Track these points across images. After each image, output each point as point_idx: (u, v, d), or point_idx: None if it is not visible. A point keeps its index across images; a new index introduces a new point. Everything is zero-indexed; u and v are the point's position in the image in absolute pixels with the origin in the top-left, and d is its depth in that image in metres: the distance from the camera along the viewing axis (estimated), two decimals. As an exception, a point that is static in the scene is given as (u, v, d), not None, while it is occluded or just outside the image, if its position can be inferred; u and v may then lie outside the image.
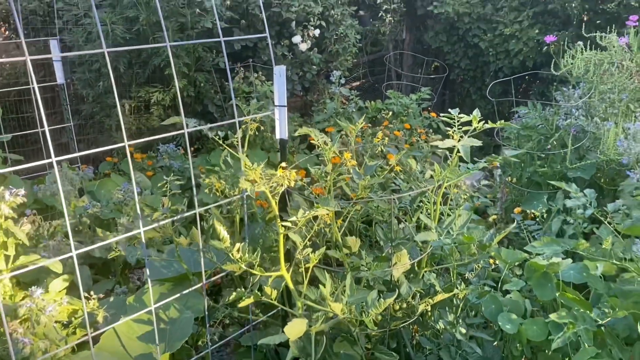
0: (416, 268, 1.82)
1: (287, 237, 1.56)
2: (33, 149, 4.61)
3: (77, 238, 2.63)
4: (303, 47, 4.81)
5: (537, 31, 5.42)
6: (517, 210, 3.15)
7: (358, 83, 6.78)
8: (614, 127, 2.69)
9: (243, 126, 1.94)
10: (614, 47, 3.01)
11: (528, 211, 3.04)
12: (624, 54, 2.98)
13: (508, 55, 5.68)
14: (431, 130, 4.92)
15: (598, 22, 5.13)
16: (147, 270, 2.14)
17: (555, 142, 3.02)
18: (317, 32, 4.84)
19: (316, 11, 4.82)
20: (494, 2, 5.68)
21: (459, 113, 1.78)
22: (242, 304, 1.46)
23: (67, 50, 4.54)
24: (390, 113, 4.98)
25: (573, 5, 5.02)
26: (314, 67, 5.10)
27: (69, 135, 3.19)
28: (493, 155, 4.06)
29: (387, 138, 2.43)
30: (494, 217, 3.30)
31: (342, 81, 4.80)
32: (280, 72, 1.77)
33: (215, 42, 4.76)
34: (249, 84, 4.75)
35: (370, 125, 5.05)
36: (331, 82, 4.83)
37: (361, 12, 7.05)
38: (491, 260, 1.91)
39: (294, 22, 4.80)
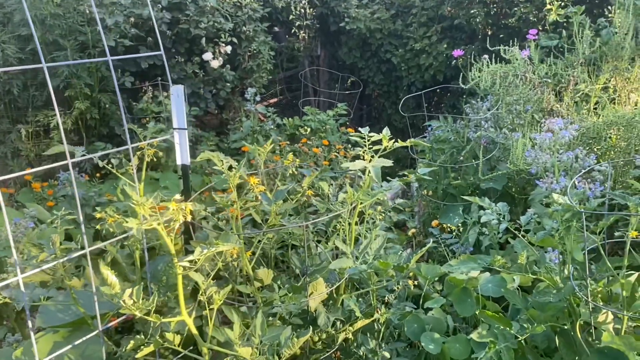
0: (334, 294, 1.73)
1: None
2: None
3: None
4: (215, 64, 4.66)
5: (445, 46, 5.59)
6: (434, 223, 3.16)
7: (275, 100, 6.70)
8: (521, 138, 2.75)
9: (139, 152, 1.77)
10: (517, 60, 3.11)
11: (445, 224, 3.05)
12: (527, 66, 3.08)
13: (419, 69, 5.81)
14: (350, 146, 4.91)
15: (501, 36, 5.37)
16: (38, 318, 1.91)
17: (467, 154, 3.07)
18: (229, 48, 4.71)
19: (227, 27, 4.69)
20: (404, 18, 5.81)
21: (374, 127, 1.73)
22: (140, 354, 1.30)
23: (-50, 72, 4.11)
24: (309, 130, 4.93)
25: (477, 20, 5.22)
26: (228, 84, 4.95)
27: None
28: (408, 170, 4.09)
29: (297, 160, 2.33)
30: (413, 230, 3.30)
31: (258, 98, 4.69)
32: (177, 92, 1.63)
33: (119, 61, 4.51)
34: (158, 103, 4.53)
35: (289, 142, 4.96)
36: (247, 100, 4.70)
37: (276, 29, 7.00)
38: (410, 282, 1.85)
39: (204, 39, 4.64)
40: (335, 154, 4.42)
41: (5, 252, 2.71)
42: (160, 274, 1.68)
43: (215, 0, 4.57)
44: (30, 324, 1.47)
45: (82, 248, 1.49)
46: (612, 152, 2.76)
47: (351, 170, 1.73)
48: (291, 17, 5.63)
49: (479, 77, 2.94)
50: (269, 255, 1.77)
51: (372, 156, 1.63)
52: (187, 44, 4.75)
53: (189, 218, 1.23)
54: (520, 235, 1.92)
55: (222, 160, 1.56)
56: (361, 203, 1.59)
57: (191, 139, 4.73)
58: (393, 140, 1.68)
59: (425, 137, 4.09)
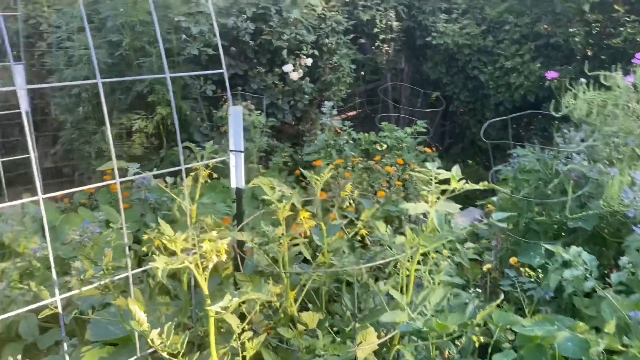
0: (388, 343, 1.57)
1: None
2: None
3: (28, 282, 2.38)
4: (294, 76, 4.62)
5: (539, 65, 5.23)
6: (513, 260, 2.90)
7: (354, 113, 6.59)
8: (618, 175, 2.45)
9: (192, 173, 1.71)
10: (619, 87, 2.79)
11: (524, 264, 2.79)
12: (630, 94, 2.75)
13: (509, 88, 5.48)
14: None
15: (602, 57, 4.94)
16: (88, 329, 1.89)
17: (554, 188, 2.78)
18: (309, 61, 4.66)
19: (309, 39, 4.64)
20: (495, 34, 5.51)
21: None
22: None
23: (47, 74, 4.37)
24: (384, 146, 4.77)
25: (577, 39, 4.83)
26: (306, 96, 4.91)
27: (36, 165, 2.97)
28: (487, 200, 3.82)
29: (355, 192, 2.19)
30: (489, 266, 3.04)
31: (335, 112, 4.59)
32: (236, 113, 1.55)
33: (203, 69, 4.58)
34: (237, 112, 4.55)
35: (363, 158, 4.83)
36: (323, 113, 4.62)
37: (362, 40, 6.90)
38: (475, 338, 1.66)
39: (285, 50, 4.62)
40: (410, 173, 4.23)
41: (74, 252, 2.78)
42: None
43: (299, 12, 4.54)
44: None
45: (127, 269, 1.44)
46: None
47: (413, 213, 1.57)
48: (375, 30, 5.51)
49: (573, 104, 2.66)
50: (319, 293, 1.64)
51: (438, 197, 1.46)
52: (269, 55, 4.75)
53: (223, 258, 1.14)
54: (609, 296, 1.67)
55: (274, 188, 1.46)
56: (423, 248, 1.42)
57: (266, 148, 4.72)
58: (464, 181, 1.51)
59: (509, 164, 3.80)
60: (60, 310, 1.46)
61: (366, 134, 5.02)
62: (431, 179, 1.51)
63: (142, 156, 4.48)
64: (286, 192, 1.51)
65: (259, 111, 4.61)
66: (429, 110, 5.95)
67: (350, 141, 4.87)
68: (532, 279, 2.41)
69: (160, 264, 1.11)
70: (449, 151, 6.79)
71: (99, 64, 4.01)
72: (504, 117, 4.25)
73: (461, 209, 5.60)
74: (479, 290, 2.80)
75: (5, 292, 2.32)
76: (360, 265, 1.45)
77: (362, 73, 7.12)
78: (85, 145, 4.38)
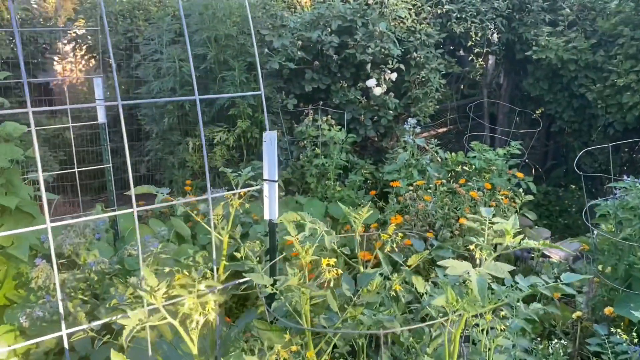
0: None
1: None
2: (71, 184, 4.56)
3: (83, 295, 2.40)
4: (378, 91, 4.44)
5: (658, 83, 4.62)
6: (608, 310, 2.50)
7: (444, 130, 6.26)
8: None
9: (223, 203, 1.59)
10: None
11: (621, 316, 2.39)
12: None
13: (621, 108, 4.90)
14: (521, 191, 4.29)
15: None
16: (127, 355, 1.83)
17: (664, 231, 2.36)
18: (394, 75, 4.46)
19: (395, 53, 4.44)
20: (607, 48, 4.96)
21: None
22: None
23: (137, 83, 4.53)
24: (473, 168, 4.43)
25: None
26: (390, 111, 4.70)
27: (108, 176, 3.05)
28: (579, 238, 3.38)
29: (400, 234, 1.94)
30: (579, 314, 2.65)
31: (418, 130, 4.34)
32: (271, 139, 1.41)
33: (284, 83, 4.54)
34: (317, 127, 4.45)
35: (448, 179, 4.52)
36: (406, 130, 4.39)
37: (461, 52, 6.55)
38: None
39: (369, 65, 4.45)
40: (496, 200, 3.87)
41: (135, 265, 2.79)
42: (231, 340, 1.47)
43: (386, 25, 4.36)
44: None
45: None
46: None
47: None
48: (470, 43, 5.17)
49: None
50: (358, 346, 1.43)
51: (491, 253, 1.21)
52: (353, 69, 4.61)
53: (212, 317, 0.99)
54: None
55: (305, 221, 1.29)
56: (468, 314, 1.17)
57: (345, 164, 4.57)
58: (521, 236, 1.25)
59: (611, 197, 3.36)
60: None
61: (454, 154, 4.70)
62: (483, 229, 1.27)
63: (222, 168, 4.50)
64: (320, 227, 1.34)
65: (340, 127, 4.48)
66: (522, 131, 5.48)
67: (437, 160, 4.59)
68: (627, 341, 2.03)
69: (131, 322, 0.99)
70: (550, 174, 6.24)
71: (184, 77, 4.09)
72: (604, 145, 3.77)
73: (559, 239, 5.04)
74: (564, 342, 2.44)
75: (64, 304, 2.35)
76: (394, 329, 1.22)
77: (461, 87, 6.77)
78: (170, 156, 4.48)
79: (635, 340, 2.15)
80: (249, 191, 1.62)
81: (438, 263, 1.17)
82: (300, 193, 4.43)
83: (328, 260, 1.23)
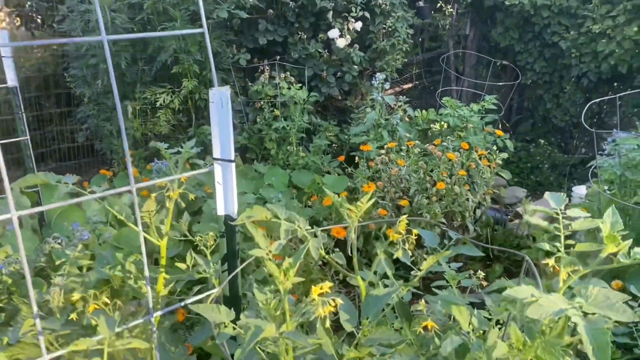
0: None
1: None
2: None
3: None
4: (341, 43, 3.97)
5: (635, 29, 4.34)
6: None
7: (410, 85, 5.87)
8: None
9: (154, 194, 1.15)
10: None
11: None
12: None
13: (595, 57, 4.62)
14: (496, 150, 3.97)
15: None
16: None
17: (683, 195, 2.07)
18: (358, 25, 3.99)
19: (358, 0, 3.96)
20: (583, -9, 4.63)
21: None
22: None
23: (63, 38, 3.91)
24: (446, 126, 4.08)
25: (689, -4, 3.93)
26: (355, 66, 4.25)
27: (25, 150, 2.52)
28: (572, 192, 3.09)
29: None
30: (581, 289, 2.37)
31: (387, 86, 3.93)
32: (221, 98, 0.97)
33: (235, 36, 4.01)
34: (274, 86, 3.97)
35: (419, 140, 4.16)
36: (374, 87, 3.97)
37: (420, 3, 6.12)
38: None
39: (331, 13, 3.97)
40: (475, 162, 3.54)
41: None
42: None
43: (348, -34, 3.87)
44: None
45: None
46: None
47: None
48: (437, -11, 4.75)
49: None
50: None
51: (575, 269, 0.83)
52: (313, 18, 4.12)
53: None
54: None
55: (278, 219, 0.87)
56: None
57: (308, 128, 4.14)
58: (628, 242, 0.87)
59: (603, 152, 3.06)
60: None
61: (424, 112, 4.33)
62: (558, 229, 0.88)
63: (169, 135, 3.99)
64: (301, 228, 0.92)
65: (300, 84, 4.02)
66: (501, 84, 5.15)
67: (406, 119, 4.21)
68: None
69: None
70: (517, 128, 5.99)
71: (118, 30, 3.50)
72: (611, 97, 3.46)
73: (534, 197, 4.77)
74: None
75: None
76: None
77: (421, 40, 6.36)
78: (107, 123, 3.92)
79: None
80: (192, 176, 1.18)
81: (507, 293, 0.78)
82: (259, 160, 3.99)
83: (321, 287, 0.82)
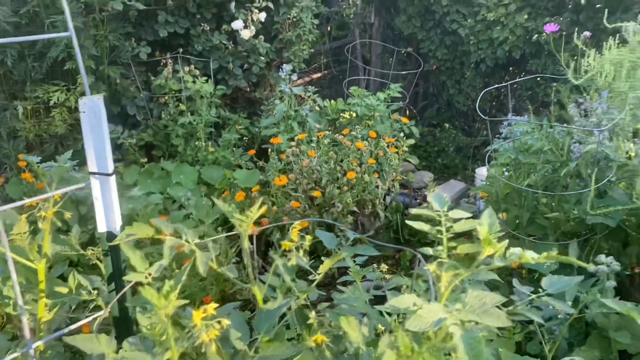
0: None
1: None
2: None
3: None
4: (246, 34, 3.90)
5: (525, 16, 4.61)
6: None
7: (319, 75, 5.90)
8: (656, 161, 1.88)
9: (24, 216, 1.05)
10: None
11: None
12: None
13: (492, 44, 4.87)
14: (402, 135, 4.08)
15: (597, 5, 4.34)
16: None
17: (569, 175, 2.22)
18: (262, 15, 3.93)
19: (262, -11, 3.90)
20: (476, -19, 4.84)
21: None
22: None
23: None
24: (354, 115, 4.13)
25: (570, -15, 4.21)
26: (262, 57, 4.20)
27: None
28: (475, 189, 3.24)
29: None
30: (484, 268, 2.49)
31: (294, 77, 3.91)
32: (93, 107, 0.90)
33: (134, 28, 3.81)
34: (179, 79, 3.83)
35: (330, 129, 4.20)
36: (281, 78, 3.93)
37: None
38: None
39: (233, 3, 3.88)
40: (383, 149, 3.62)
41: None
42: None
43: (248, -45, 3.79)
44: None
45: None
46: None
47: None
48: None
49: (593, 67, 2.06)
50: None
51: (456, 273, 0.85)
52: (215, 8, 4.00)
53: None
54: None
55: (162, 236, 0.82)
56: None
57: (217, 122, 4.04)
58: (505, 242, 0.91)
59: (500, 135, 3.21)
60: None
61: (333, 101, 4.37)
62: (440, 231, 0.90)
63: (66, 135, 3.75)
64: (190, 241, 0.87)
65: (206, 77, 3.90)
66: (402, 72, 5.29)
67: (316, 109, 4.22)
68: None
69: None
70: (423, 114, 6.20)
71: (1, 25, 3.23)
72: (502, 85, 3.65)
73: (440, 180, 4.97)
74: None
75: None
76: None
77: (329, 28, 6.39)
78: (-6, 125, 3.61)
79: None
80: (68, 192, 1.08)
81: (389, 305, 0.77)
82: (166, 158, 3.84)
83: (204, 310, 0.77)
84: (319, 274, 1.01)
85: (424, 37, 5.31)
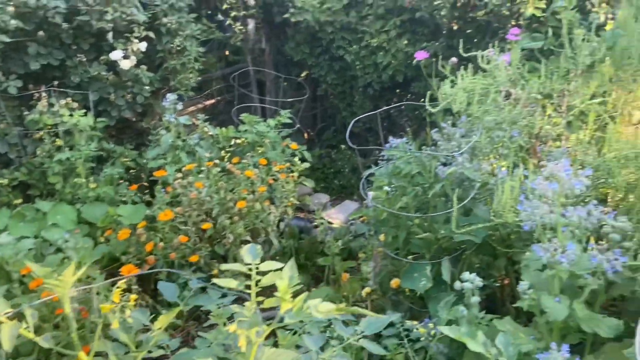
0: None
1: None
2: None
3: None
4: (126, 64, 3.78)
5: (405, 42, 4.86)
6: (394, 283, 2.43)
7: (213, 101, 5.84)
8: (508, 180, 2.03)
9: None
10: (498, 69, 2.39)
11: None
12: (517, 82, 2.36)
13: (377, 68, 5.07)
14: (297, 159, 4.13)
15: (468, 31, 4.67)
16: None
17: (436, 195, 2.33)
18: (143, 45, 3.84)
19: (141, 19, 3.81)
20: (358, 9, 5.03)
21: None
22: None
23: None
24: (246, 143, 4.12)
25: (442, 13, 4.50)
26: (146, 87, 4.08)
27: None
28: (362, 211, 3.33)
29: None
30: (368, 290, 2.56)
31: (179, 106, 3.84)
32: None
33: (3, 61, 3.57)
34: (54, 113, 3.63)
35: (222, 158, 4.15)
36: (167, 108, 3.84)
37: (221, 17, 6.10)
38: None
39: (111, 33, 3.75)
40: (274, 177, 3.64)
41: None
42: None
43: (125, -15, 3.69)
44: None
45: None
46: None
47: None
48: (225, 6, 4.76)
49: (451, 94, 2.20)
50: None
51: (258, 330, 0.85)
52: (92, 39, 3.85)
53: None
54: None
55: None
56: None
57: (100, 155, 3.86)
58: (304, 295, 0.92)
59: (382, 158, 3.33)
60: None
61: (224, 129, 4.33)
62: (249, 286, 0.89)
63: None
64: None
65: (85, 110, 3.73)
66: (293, 99, 5.37)
67: (208, 138, 4.16)
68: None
69: None
70: (321, 136, 6.33)
71: None
72: (372, 112, 3.80)
73: (338, 200, 5.04)
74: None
75: None
76: None
77: (226, 54, 6.35)
78: None
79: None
80: None
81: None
82: (44, 197, 3.61)
83: None
84: (158, 328, 0.98)
85: (313, 62, 5.43)
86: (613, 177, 2.03)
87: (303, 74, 5.83)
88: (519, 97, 2.29)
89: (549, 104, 2.56)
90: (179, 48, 4.15)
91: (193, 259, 3.18)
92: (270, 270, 0.94)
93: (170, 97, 3.79)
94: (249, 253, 0.97)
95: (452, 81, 2.34)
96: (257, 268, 0.93)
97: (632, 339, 1.98)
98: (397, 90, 5.53)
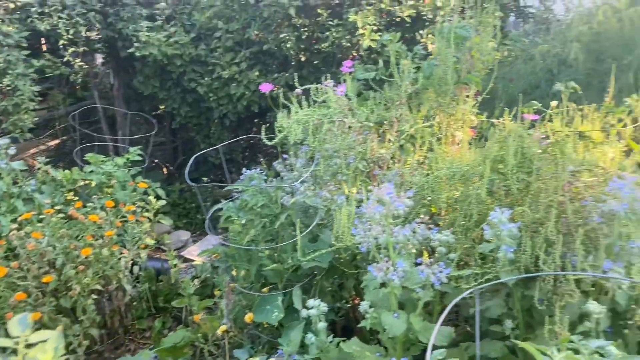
0: None
1: None
2: None
3: None
4: (-57, 108, 3.40)
5: (257, 73, 4.94)
6: (248, 318, 2.42)
7: (58, 141, 5.45)
8: (345, 205, 2.13)
9: None
10: (331, 101, 2.51)
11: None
12: (345, 108, 2.50)
13: (231, 100, 5.08)
14: (151, 198, 3.96)
15: (315, 62, 4.89)
16: None
17: (283, 226, 2.38)
18: (-37, 87, 3.49)
19: (-41, 58, 3.47)
20: (207, 41, 5.03)
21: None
22: None
23: None
24: (93, 184, 3.88)
25: (288, 45, 4.66)
26: (-28, 132, 3.70)
27: None
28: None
29: None
30: (223, 328, 2.51)
31: (12, 151, 3.52)
32: None
33: None
34: None
35: (66, 204, 3.86)
36: (-3, 153, 3.50)
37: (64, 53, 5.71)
38: None
39: None
40: (123, 221, 3.46)
41: None
42: None
43: (-64, 21, 3.34)
44: None
45: None
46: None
47: None
48: (62, 42, 4.49)
49: (286, 128, 2.27)
50: None
51: None
52: None
53: None
54: None
55: None
56: None
57: None
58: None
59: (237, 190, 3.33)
60: None
61: (67, 172, 4.04)
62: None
63: None
64: None
65: None
66: (141, 136, 5.20)
67: (50, 182, 3.86)
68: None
69: None
70: (182, 170, 6.17)
71: None
72: (213, 148, 3.78)
73: (201, 236, 4.90)
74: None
75: None
76: None
77: (76, 89, 5.97)
78: None
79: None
80: None
81: None
82: None
83: None
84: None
85: (165, 96, 5.31)
86: (437, 195, 2.22)
87: (162, 108, 5.67)
88: (352, 125, 2.43)
89: (384, 130, 2.75)
90: (9, 88, 3.82)
91: (35, 316, 2.90)
92: (40, 342, 0.88)
93: (2, 141, 3.47)
94: (18, 324, 0.90)
95: (290, 112, 2.41)
96: (26, 341, 0.86)
97: (468, 342, 2.17)
98: (256, 120, 5.59)
